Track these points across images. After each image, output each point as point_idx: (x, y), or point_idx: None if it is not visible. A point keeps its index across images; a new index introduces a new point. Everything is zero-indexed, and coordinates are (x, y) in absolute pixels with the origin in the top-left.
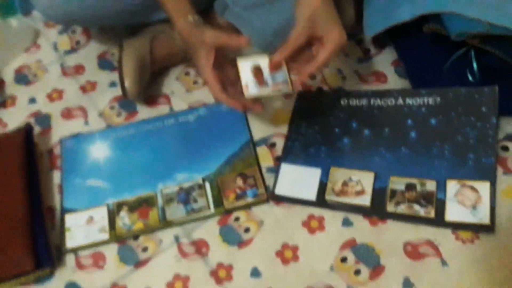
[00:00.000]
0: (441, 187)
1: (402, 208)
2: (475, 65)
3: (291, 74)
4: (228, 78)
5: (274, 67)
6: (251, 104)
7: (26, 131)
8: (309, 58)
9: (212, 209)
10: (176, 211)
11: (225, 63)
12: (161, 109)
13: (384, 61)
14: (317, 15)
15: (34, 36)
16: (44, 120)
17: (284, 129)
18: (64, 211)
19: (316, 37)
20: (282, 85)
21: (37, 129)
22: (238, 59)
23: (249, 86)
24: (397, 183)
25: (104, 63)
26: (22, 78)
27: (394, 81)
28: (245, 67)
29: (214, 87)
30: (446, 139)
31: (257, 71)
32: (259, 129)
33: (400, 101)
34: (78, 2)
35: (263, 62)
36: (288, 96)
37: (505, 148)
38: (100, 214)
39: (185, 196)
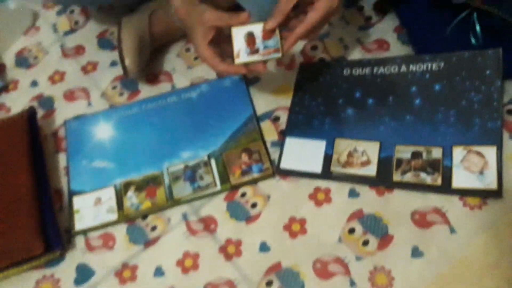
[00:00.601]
0: (447, 153)
1: (409, 177)
2: (478, 27)
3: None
4: (224, 52)
5: (267, 35)
6: (253, 66)
7: (29, 115)
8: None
9: (219, 186)
10: (183, 189)
11: (221, 39)
12: (163, 86)
13: (386, 28)
14: None
15: (32, 18)
16: (47, 102)
17: (287, 102)
18: (71, 193)
19: (307, 1)
20: (273, 51)
21: (40, 112)
22: (233, 28)
23: (240, 53)
24: (403, 152)
25: (104, 43)
26: (23, 61)
27: (397, 48)
28: (238, 35)
29: (213, 60)
30: (451, 105)
31: (250, 39)
32: (262, 103)
33: (404, 68)
34: None
35: (257, 29)
36: (281, 64)
37: (511, 112)
38: (108, 195)
39: (191, 174)
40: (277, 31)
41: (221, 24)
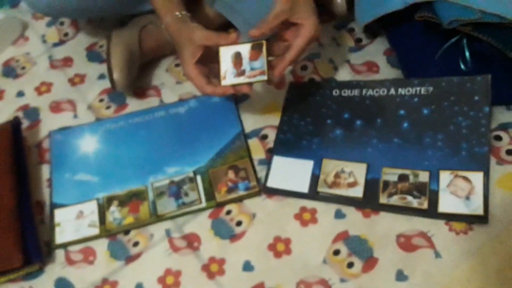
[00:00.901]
0: (434, 177)
1: (395, 200)
2: (467, 53)
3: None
4: (212, 71)
5: (254, 55)
6: (239, 87)
7: (14, 125)
8: (285, 48)
9: (204, 203)
10: (167, 205)
11: (209, 59)
12: (151, 101)
13: (376, 50)
14: (295, 1)
15: (22, 28)
16: (32, 113)
17: (275, 121)
18: (53, 206)
19: (292, 22)
20: (259, 73)
21: (25, 123)
22: (221, 48)
23: (227, 74)
24: (390, 174)
25: (92, 55)
26: (10, 71)
27: (386, 71)
28: (226, 55)
29: (199, 81)
30: (439, 129)
31: (237, 60)
32: (250, 121)
33: (392, 91)
34: None
35: (244, 50)
36: (268, 85)
37: (498, 138)
38: (90, 209)
39: (176, 190)
40: (264, 52)
41: (209, 43)
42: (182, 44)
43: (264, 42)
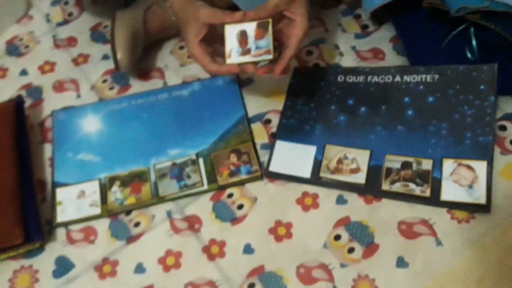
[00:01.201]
0: (437, 165)
1: (397, 187)
2: (474, 42)
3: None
4: (216, 51)
5: (260, 34)
6: (244, 67)
7: (17, 103)
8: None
9: (206, 185)
10: (169, 186)
11: (214, 38)
12: (155, 83)
13: (382, 37)
14: None
15: (26, 6)
16: (35, 92)
17: (279, 105)
18: (55, 184)
19: (286, 14)
20: (265, 52)
21: (28, 101)
22: (226, 26)
23: (232, 53)
24: (393, 161)
25: (96, 36)
26: (13, 49)
27: (392, 58)
28: (231, 33)
29: (203, 59)
30: (444, 117)
31: (243, 38)
32: (254, 105)
33: (398, 78)
34: None
35: (250, 28)
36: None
37: (503, 128)
38: (92, 189)
39: (178, 172)
40: (270, 31)
41: (214, 21)
42: (187, 22)
43: (270, 20)
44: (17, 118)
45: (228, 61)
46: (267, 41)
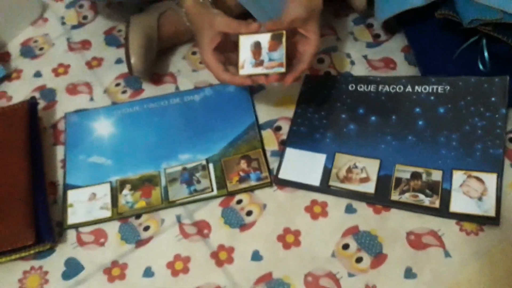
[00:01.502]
0: (447, 177)
1: (407, 197)
2: (486, 54)
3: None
4: (228, 60)
5: (274, 46)
6: (256, 78)
7: (30, 105)
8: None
9: (215, 191)
10: (179, 191)
11: (227, 47)
12: (167, 87)
13: (394, 47)
14: (315, 13)
15: (41, 9)
16: (49, 94)
17: (290, 113)
18: (66, 186)
19: (301, 32)
20: (277, 65)
21: (41, 103)
22: (241, 36)
23: (245, 64)
24: (403, 172)
25: (110, 39)
26: (28, 51)
27: (404, 68)
28: (246, 44)
29: (216, 68)
30: (454, 129)
31: (257, 49)
32: (265, 112)
33: (409, 88)
34: None
35: (264, 39)
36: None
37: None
38: (103, 191)
39: (188, 177)
40: (283, 44)
41: (230, 31)
42: (202, 30)
43: (284, 32)
44: (30, 119)
45: (241, 72)
46: (280, 54)
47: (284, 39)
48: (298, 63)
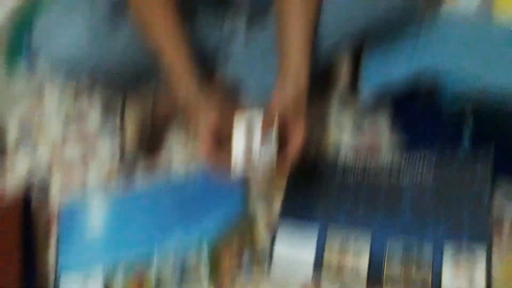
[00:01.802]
0: (438, 250)
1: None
2: (471, 128)
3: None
4: (224, 135)
5: (265, 142)
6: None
7: (25, 200)
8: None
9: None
10: (170, 278)
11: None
12: (159, 171)
13: (380, 122)
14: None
15: (38, 91)
16: (42, 179)
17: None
18: (59, 273)
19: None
20: (268, 162)
21: (35, 188)
22: (234, 132)
23: (237, 164)
24: (394, 246)
25: (106, 125)
26: (24, 129)
27: (390, 143)
28: (238, 143)
29: (212, 159)
30: (442, 203)
31: (248, 148)
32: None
33: (396, 162)
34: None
35: (257, 135)
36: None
37: (501, 212)
38: (96, 278)
39: (180, 267)
40: (274, 142)
41: (223, 130)
42: (196, 120)
43: (274, 133)
44: (25, 216)
45: (234, 171)
46: (271, 151)
47: (274, 135)
48: (285, 156)
